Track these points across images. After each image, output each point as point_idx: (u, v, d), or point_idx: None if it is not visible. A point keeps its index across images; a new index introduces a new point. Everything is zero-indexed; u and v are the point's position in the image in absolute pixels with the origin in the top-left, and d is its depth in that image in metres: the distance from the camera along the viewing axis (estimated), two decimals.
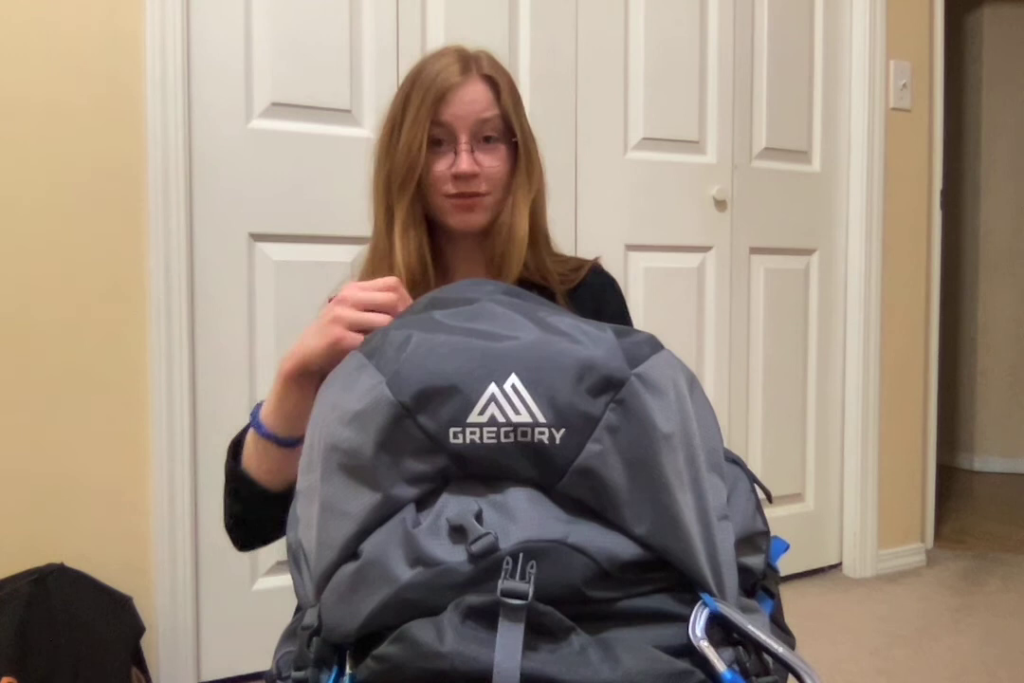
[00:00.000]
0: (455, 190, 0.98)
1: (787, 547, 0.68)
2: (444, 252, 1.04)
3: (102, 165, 1.59)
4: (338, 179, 1.77)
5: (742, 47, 2.23)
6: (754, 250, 2.29)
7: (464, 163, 0.96)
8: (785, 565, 2.37)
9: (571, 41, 2.01)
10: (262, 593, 1.74)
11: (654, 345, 0.59)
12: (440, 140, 0.98)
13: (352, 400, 0.56)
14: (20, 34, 1.52)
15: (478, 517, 0.53)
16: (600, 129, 2.06)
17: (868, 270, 2.39)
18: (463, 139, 0.97)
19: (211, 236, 1.68)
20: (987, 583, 2.33)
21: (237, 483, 0.85)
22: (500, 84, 0.99)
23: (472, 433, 0.53)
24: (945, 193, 2.61)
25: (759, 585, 0.63)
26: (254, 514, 0.86)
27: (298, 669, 0.57)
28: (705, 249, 2.22)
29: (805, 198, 2.37)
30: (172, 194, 1.62)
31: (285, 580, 1.74)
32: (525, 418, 0.53)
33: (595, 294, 1.07)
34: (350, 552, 0.56)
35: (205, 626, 1.69)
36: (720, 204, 2.22)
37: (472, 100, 0.97)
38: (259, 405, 0.84)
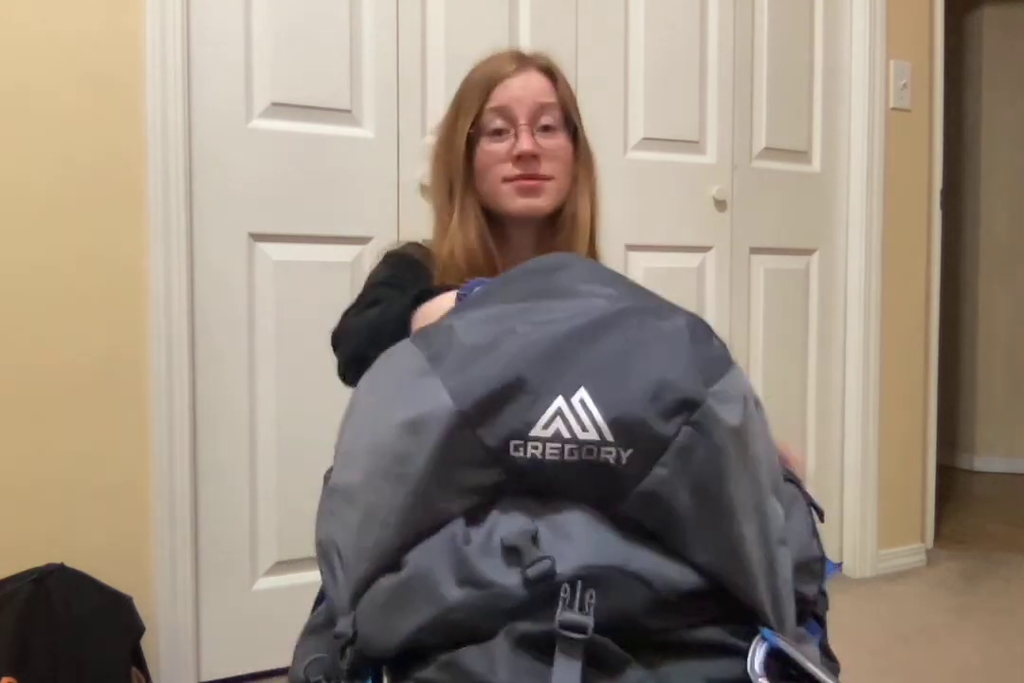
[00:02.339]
0: (517, 171, 0.96)
1: (836, 566, 0.65)
2: (498, 246, 1.02)
3: (102, 165, 1.59)
4: (338, 179, 1.77)
5: (742, 47, 2.23)
6: (754, 250, 2.29)
7: (525, 142, 0.95)
8: None
9: (571, 41, 2.01)
10: (262, 593, 1.74)
11: (728, 359, 0.55)
12: (499, 129, 0.97)
13: (408, 403, 0.53)
14: (20, 34, 1.52)
15: (534, 538, 0.50)
16: (600, 129, 2.05)
17: (868, 270, 2.39)
18: (522, 121, 0.96)
19: (211, 236, 1.68)
20: (987, 583, 2.33)
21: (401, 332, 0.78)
22: (556, 75, 1.01)
23: (534, 448, 0.50)
24: (945, 193, 2.61)
25: (809, 611, 0.60)
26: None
27: (328, 679, 0.54)
28: (705, 249, 2.22)
29: (805, 198, 2.37)
30: (172, 194, 1.62)
31: (285, 580, 1.74)
32: (592, 436, 0.50)
33: None
34: (392, 563, 0.53)
35: (205, 626, 1.69)
36: (720, 204, 2.22)
37: (528, 85, 0.98)
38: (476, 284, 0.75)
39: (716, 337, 0.56)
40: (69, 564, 1.49)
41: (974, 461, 3.70)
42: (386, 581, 0.53)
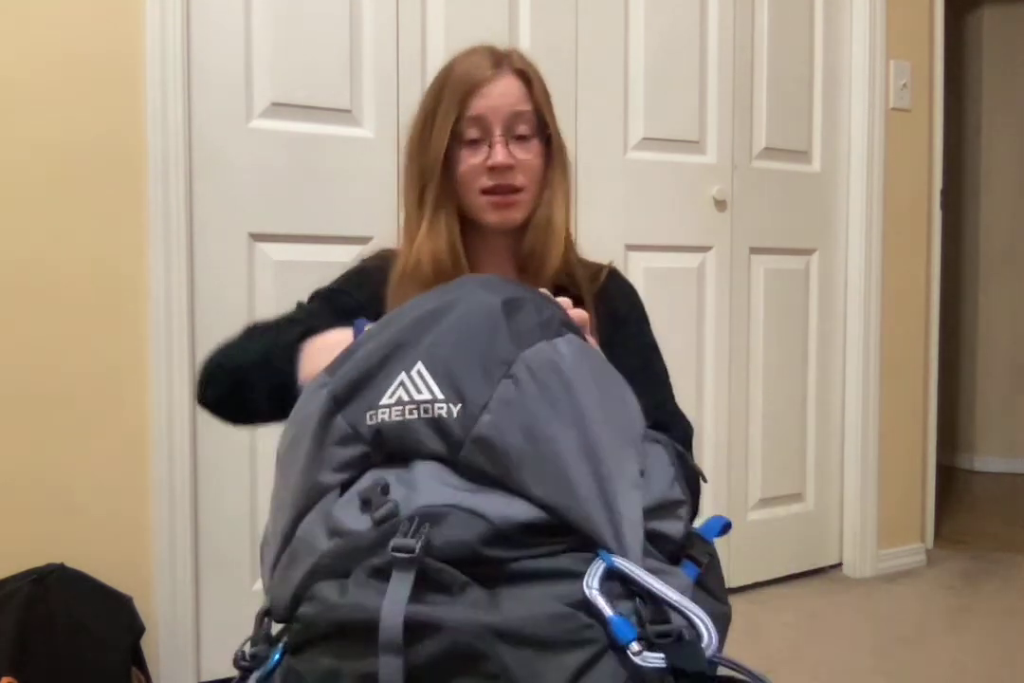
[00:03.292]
0: (491, 183, 0.98)
1: (726, 523, 0.70)
2: (475, 250, 1.04)
3: (102, 165, 1.59)
4: (338, 179, 1.77)
5: (742, 47, 2.23)
6: (754, 250, 2.29)
7: (500, 155, 0.97)
8: (785, 565, 2.37)
9: (571, 41, 2.01)
10: (262, 593, 1.74)
11: (554, 330, 0.64)
12: (475, 139, 0.98)
13: (304, 408, 0.66)
14: (19, 35, 1.52)
15: (384, 490, 0.59)
16: (600, 129, 2.06)
17: (868, 270, 2.39)
18: (497, 132, 0.98)
19: (211, 236, 1.68)
20: (987, 583, 2.33)
21: (283, 365, 0.87)
22: (532, 79, 1.00)
23: (383, 413, 0.62)
24: (945, 193, 2.61)
25: (684, 554, 0.65)
26: (266, 403, 0.89)
27: (254, 645, 0.63)
28: (705, 249, 2.22)
29: (805, 198, 2.37)
30: (172, 194, 1.62)
31: None
32: (426, 395, 0.61)
33: (616, 303, 1.07)
34: (290, 534, 0.64)
35: (205, 626, 1.69)
36: (720, 204, 2.22)
37: (505, 93, 0.98)
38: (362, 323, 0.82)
39: (543, 309, 0.66)
40: (69, 564, 1.49)
41: (974, 461, 3.70)
42: (285, 551, 0.64)
